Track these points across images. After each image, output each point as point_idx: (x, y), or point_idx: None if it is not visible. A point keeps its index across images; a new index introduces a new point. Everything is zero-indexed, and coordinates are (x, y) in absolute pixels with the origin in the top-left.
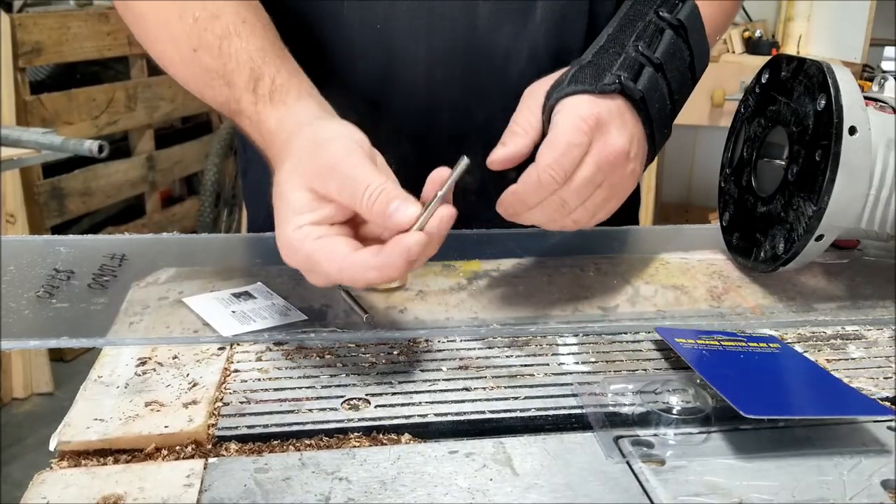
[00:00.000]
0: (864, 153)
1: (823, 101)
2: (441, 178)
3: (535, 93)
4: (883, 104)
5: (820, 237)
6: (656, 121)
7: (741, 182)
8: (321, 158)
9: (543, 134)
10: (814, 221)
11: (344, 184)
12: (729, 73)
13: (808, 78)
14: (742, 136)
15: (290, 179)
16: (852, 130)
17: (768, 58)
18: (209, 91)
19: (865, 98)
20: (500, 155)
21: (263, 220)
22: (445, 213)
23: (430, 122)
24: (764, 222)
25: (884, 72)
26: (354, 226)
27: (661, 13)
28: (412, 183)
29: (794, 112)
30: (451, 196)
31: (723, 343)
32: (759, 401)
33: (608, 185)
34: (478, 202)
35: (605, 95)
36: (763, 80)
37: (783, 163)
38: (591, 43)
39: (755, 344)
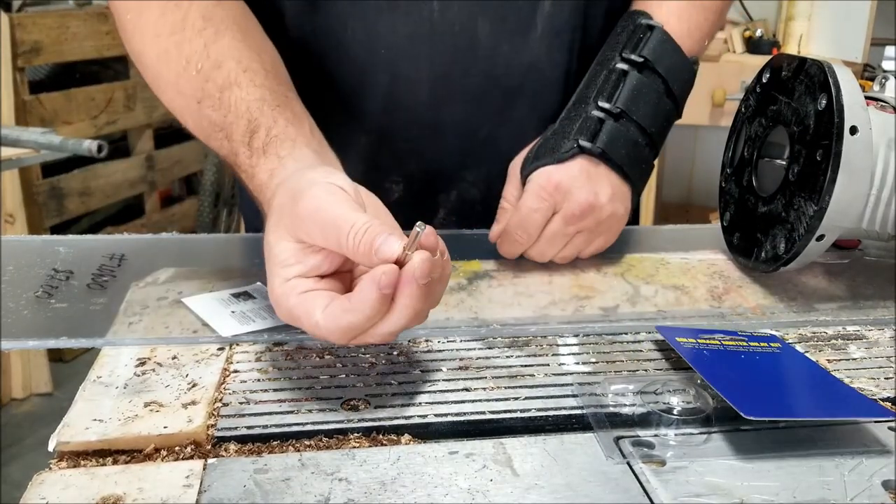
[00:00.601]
0: (866, 153)
1: (824, 101)
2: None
3: (517, 168)
4: (884, 104)
5: (821, 237)
6: (627, 163)
7: (742, 182)
8: (302, 207)
9: None
10: (815, 221)
11: (327, 228)
12: (729, 73)
13: (809, 77)
14: (743, 135)
15: (276, 231)
16: (853, 130)
17: (769, 57)
18: (214, 143)
19: (866, 98)
20: (496, 230)
21: (260, 223)
22: (419, 258)
23: (435, 141)
24: (765, 222)
25: (885, 71)
26: (348, 277)
27: (624, 55)
28: (418, 202)
29: (795, 112)
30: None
31: (723, 343)
32: (760, 402)
33: (586, 231)
34: (483, 213)
35: (564, 161)
36: (764, 80)
37: (784, 162)
38: (588, 55)
39: (756, 343)
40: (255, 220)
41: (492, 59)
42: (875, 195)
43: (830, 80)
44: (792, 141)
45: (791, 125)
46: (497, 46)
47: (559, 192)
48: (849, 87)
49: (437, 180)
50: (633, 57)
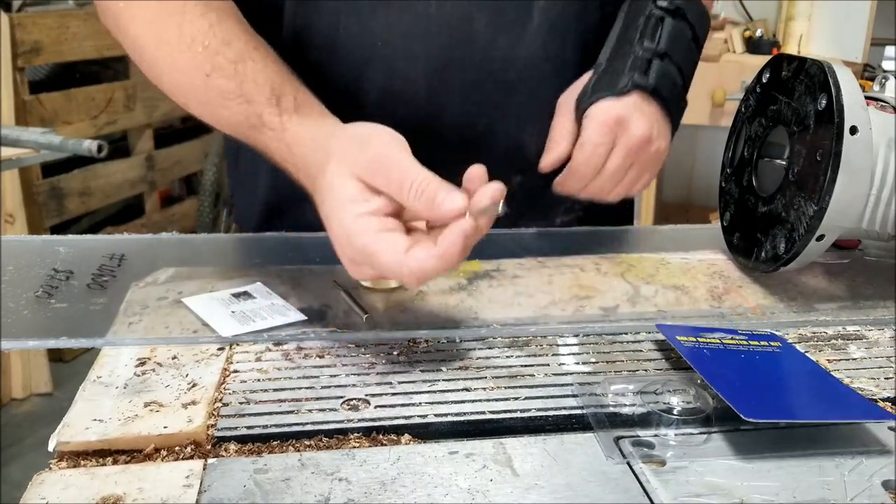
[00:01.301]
0: (866, 153)
1: (824, 101)
2: (477, 175)
3: (566, 102)
4: (884, 104)
5: (821, 237)
6: (670, 100)
7: (742, 182)
8: (367, 153)
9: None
10: (815, 221)
11: (391, 176)
12: (729, 73)
13: (809, 77)
14: (743, 135)
15: (340, 172)
16: (853, 130)
17: (769, 57)
18: (224, 111)
19: (866, 97)
20: (549, 159)
21: (251, 213)
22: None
23: (432, 135)
24: (765, 222)
25: (885, 71)
26: (399, 219)
27: (658, 3)
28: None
29: (795, 112)
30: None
31: (724, 341)
32: (760, 403)
33: (638, 165)
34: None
35: (622, 96)
36: (764, 80)
37: (784, 162)
38: (584, 47)
39: (756, 343)
40: (248, 209)
41: (489, 52)
42: (875, 195)
43: (830, 80)
44: (792, 141)
45: (791, 125)
46: (494, 40)
47: (619, 126)
48: (849, 87)
49: (436, 175)
50: (666, 4)
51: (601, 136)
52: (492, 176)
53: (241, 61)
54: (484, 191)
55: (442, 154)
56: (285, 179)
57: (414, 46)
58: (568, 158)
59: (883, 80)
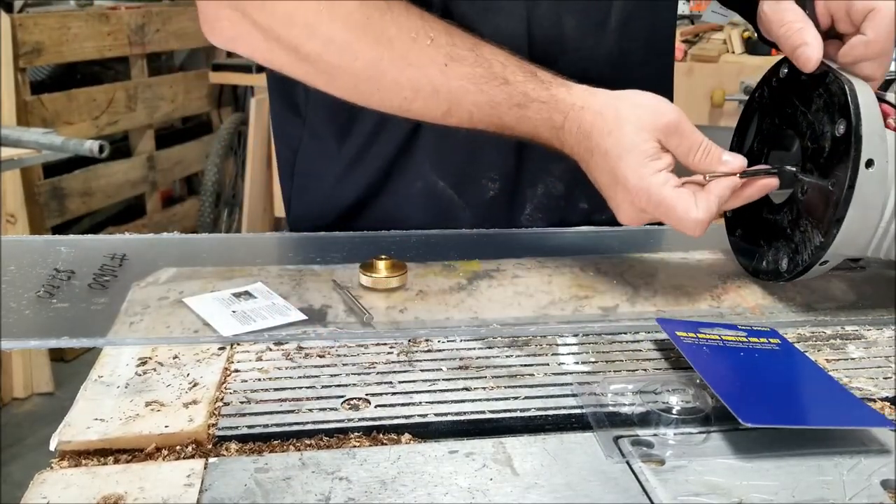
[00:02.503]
0: (880, 186)
1: (843, 128)
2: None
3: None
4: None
5: (825, 262)
6: None
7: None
8: (663, 118)
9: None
10: (820, 251)
11: (684, 139)
12: (729, 74)
13: (830, 95)
14: (754, 126)
15: (640, 133)
16: (869, 164)
17: (769, 58)
18: (474, 96)
19: (881, 101)
20: (812, 53)
21: (308, 214)
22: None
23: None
24: (769, 231)
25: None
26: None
27: None
28: (510, 198)
29: (811, 126)
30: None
31: (723, 337)
32: (759, 407)
33: None
34: (567, 207)
35: None
36: (781, 75)
37: (795, 170)
38: (651, 45)
39: (756, 339)
40: (316, 211)
41: (577, 51)
42: (884, 227)
43: (851, 106)
44: (805, 155)
45: (805, 139)
46: (581, 39)
47: None
48: (869, 115)
49: (525, 175)
50: None
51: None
52: (577, 174)
53: (477, 46)
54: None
55: (531, 153)
56: (360, 179)
57: (516, 46)
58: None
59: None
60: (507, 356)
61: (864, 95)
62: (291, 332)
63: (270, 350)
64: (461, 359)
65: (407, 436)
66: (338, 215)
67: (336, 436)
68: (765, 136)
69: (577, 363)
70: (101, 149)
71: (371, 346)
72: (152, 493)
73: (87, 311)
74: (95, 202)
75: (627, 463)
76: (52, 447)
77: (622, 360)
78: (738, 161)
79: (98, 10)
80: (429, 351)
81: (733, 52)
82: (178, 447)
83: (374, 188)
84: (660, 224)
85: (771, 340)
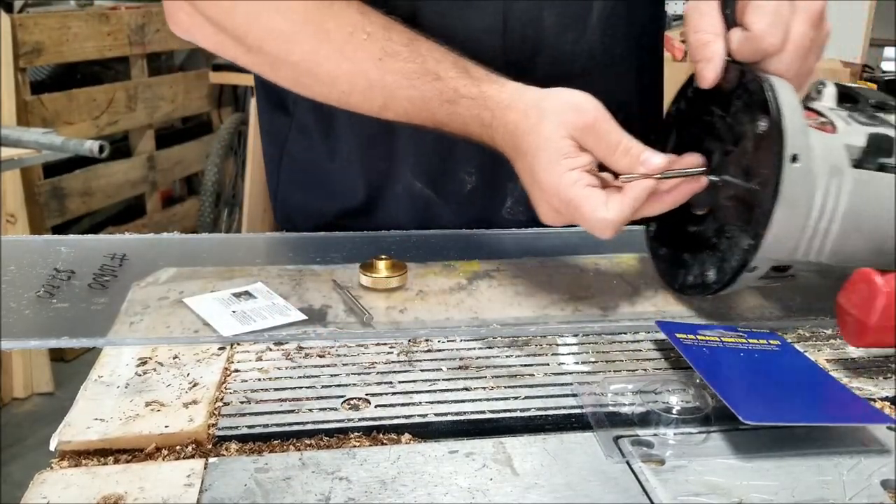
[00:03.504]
0: (806, 183)
1: (765, 125)
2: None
3: (696, 7)
4: (823, 119)
5: (753, 268)
6: None
7: None
8: (584, 117)
9: (728, 25)
10: (748, 255)
11: (603, 138)
12: None
13: (749, 94)
14: (671, 142)
15: (557, 131)
16: (794, 159)
17: None
18: (409, 91)
19: (806, 109)
20: (709, 72)
21: (294, 210)
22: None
23: None
24: (693, 244)
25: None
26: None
27: None
28: (490, 191)
29: (731, 128)
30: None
31: (723, 339)
32: (759, 405)
33: (817, 46)
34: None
35: None
36: (696, 84)
37: (716, 179)
38: (635, 42)
39: (756, 341)
40: (308, 212)
41: (557, 47)
42: (812, 227)
43: (771, 102)
44: (725, 160)
45: (726, 142)
46: (561, 35)
47: None
48: (791, 110)
49: (504, 168)
50: None
51: (776, 7)
52: None
53: (413, 41)
54: (682, 160)
55: (480, 145)
56: (346, 176)
57: (491, 43)
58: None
59: (819, 87)
60: (507, 356)
61: (784, 91)
62: (291, 332)
63: (270, 350)
64: (461, 359)
65: (407, 436)
66: (324, 212)
67: (336, 436)
68: (683, 148)
69: (577, 363)
70: (101, 149)
71: (371, 346)
72: (152, 493)
73: (87, 311)
74: (95, 202)
75: (627, 463)
76: (52, 447)
77: (622, 360)
78: (658, 160)
79: (98, 10)
80: (429, 351)
81: None
82: (178, 447)
83: (361, 185)
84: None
85: (771, 342)
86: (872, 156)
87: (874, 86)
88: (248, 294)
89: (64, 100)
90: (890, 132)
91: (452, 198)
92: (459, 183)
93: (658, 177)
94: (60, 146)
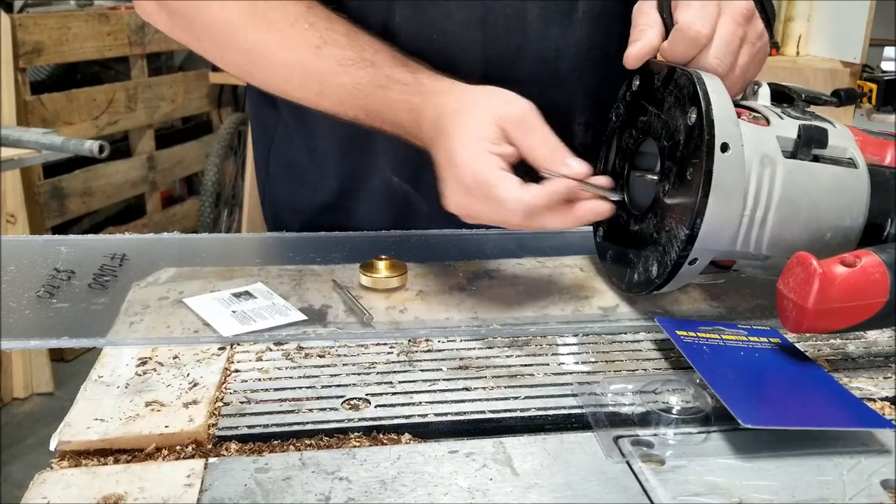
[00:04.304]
0: (738, 171)
1: (694, 115)
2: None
3: (644, 3)
4: (756, 115)
5: (693, 261)
6: (766, 8)
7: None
8: (515, 109)
9: (667, 30)
10: (686, 245)
11: (530, 135)
12: None
13: (679, 89)
14: (614, 146)
15: (484, 116)
16: (724, 147)
17: (769, 58)
18: (343, 77)
19: (739, 107)
20: (635, 49)
21: (282, 203)
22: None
23: None
24: (637, 241)
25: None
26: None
27: None
28: None
29: (665, 125)
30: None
31: (723, 336)
32: (759, 409)
33: (748, 43)
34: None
35: None
36: (634, 88)
37: (656, 177)
38: (624, 37)
39: (756, 338)
40: (294, 209)
41: (542, 42)
42: (748, 215)
43: (700, 93)
44: (662, 156)
45: (661, 139)
46: (546, 30)
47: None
48: (719, 101)
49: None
50: None
51: (702, 4)
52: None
53: (354, 33)
54: (600, 178)
55: None
56: (328, 172)
57: (472, 36)
58: (655, 52)
59: (755, 87)
60: (507, 356)
61: (713, 83)
62: (291, 332)
63: (270, 350)
64: (461, 359)
65: (407, 436)
66: (310, 207)
67: (336, 436)
68: (625, 152)
69: (577, 363)
70: (101, 149)
71: (371, 346)
72: (152, 493)
73: (87, 311)
74: (95, 202)
75: (627, 463)
76: (52, 447)
77: (622, 360)
78: (582, 167)
79: (98, 10)
80: (429, 351)
81: None
82: (178, 447)
83: (338, 179)
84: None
85: (771, 340)
86: (805, 146)
87: (874, 86)
88: (248, 294)
89: (64, 100)
90: (822, 125)
91: (430, 193)
92: (437, 178)
93: (578, 180)
94: (60, 146)
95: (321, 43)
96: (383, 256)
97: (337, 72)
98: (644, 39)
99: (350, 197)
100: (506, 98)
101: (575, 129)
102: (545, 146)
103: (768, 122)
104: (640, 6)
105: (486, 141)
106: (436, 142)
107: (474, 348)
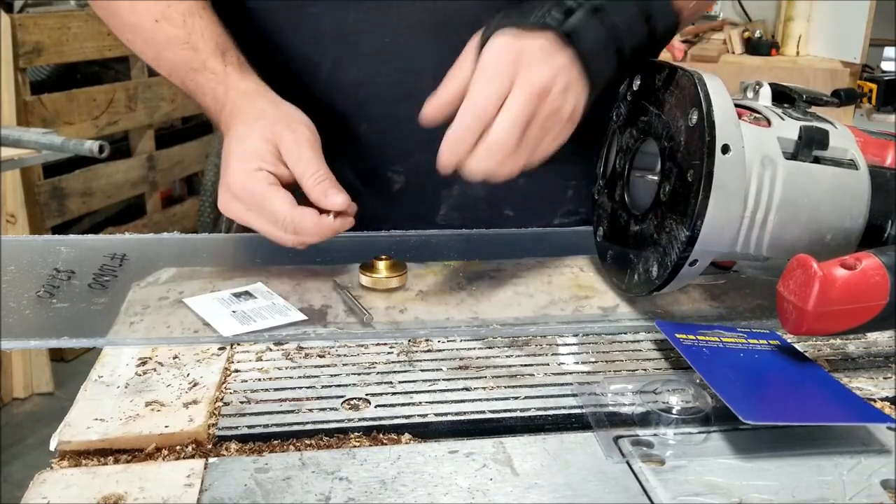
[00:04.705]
0: (739, 173)
1: (695, 117)
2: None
3: (472, 43)
4: (757, 115)
5: (694, 262)
6: (592, 56)
7: (615, 196)
8: (292, 134)
9: None
10: (687, 247)
11: (301, 160)
12: (728, 74)
13: (680, 89)
14: (615, 146)
15: (262, 134)
16: (725, 149)
17: (769, 58)
18: (167, 53)
19: (740, 107)
20: (430, 104)
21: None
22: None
23: (435, 133)
24: (637, 242)
25: (874, 70)
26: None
27: None
28: (420, 194)
29: (666, 125)
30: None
31: (723, 339)
32: (759, 405)
33: (540, 120)
34: (487, 210)
35: (531, 31)
36: (635, 88)
37: (656, 177)
38: None
39: (756, 341)
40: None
41: (456, 53)
42: (749, 217)
43: (701, 94)
44: (663, 157)
45: (662, 139)
46: (460, 43)
47: (522, 62)
48: (721, 102)
49: (439, 177)
50: None
51: (502, 64)
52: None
53: (190, 15)
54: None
55: (408, 145)
56: None
57: (425, 40)
58: (455, 105)
59: (756, 87)
60: (507, 356)
61: (714, 84)
62: (291, 332)
63: (270, 350)
64: (461, 359)
65: (407, 436)
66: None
67: (336, 436)
68: (626, 151)
69: (577, 363)
70: (101, 149)
71: (371, 346)
72: (152, 493)
73: (87, 311)
74: (95, 202)
75: (627, 463)
76: (52, 447)
77: (622, 360)
78: (339, 199)
79: None
80: (429, 351)
81: (733, 53)
82: (178, 447)
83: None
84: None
85: (771, 342)
86: (806, 148)
87: (874, 86)
88: (248, 294)
89: (64, 100)
90: (823, 126)
91: (381, 194)
92: (387, 181)
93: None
94: (60, 146)
95: (160, 17)
96: (383, 256)
97: (166, 46)
98: (440, 95)
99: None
100: (289, 123)
101: None
102: (312, 177)
103: (769, 122)
104: (465, 49)
105: (257, 158)
106: (224, 137)
107: (474, 348)
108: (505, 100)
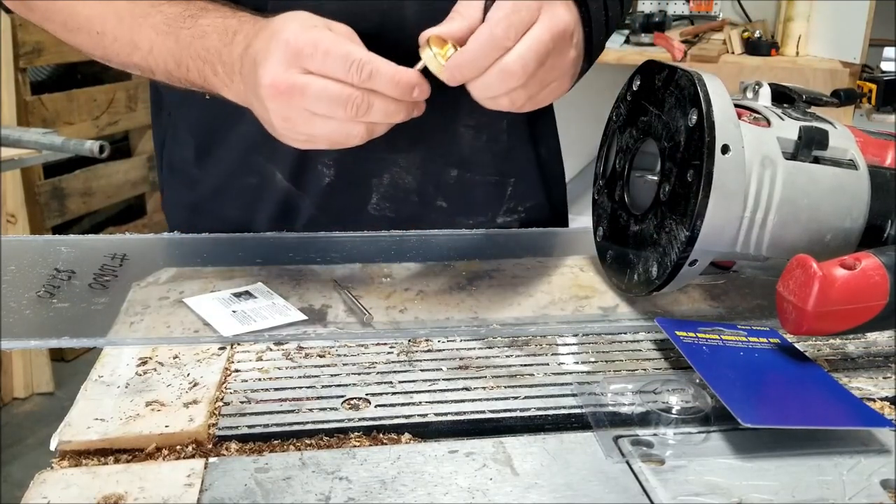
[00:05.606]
0: (738, 173)
1: (695, 117)
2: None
3: None
4: (757, 115)
5: (693, 262)
6: (593, 23)
7: (614, 196)
8: (333, 30)
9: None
10: (686, 247)
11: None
12: (728, 74)
13: (680, 89)
14: (614, 146)
15: (303, 21)
16: (725, 149)
17: (769, 58)
18: (153, 18)
19: (740, 107)
20: (438, 28)
21: (175, 205)
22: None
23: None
24: (637, 242)
25: (874, 69)
26: None
27: None
28: (350, 185)
29: (666, 125)
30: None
31: (723, 337)
32: (758, 408)
33: (552, 63)
34: (418, 201)
35: None
36: (634, 88)
37: (655, 177)
38: None
39: (755, 339)
40: (178, 215)
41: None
42: (749, 217)
43: (701, 94)
44: (663, 157)
45: (662, 140)
46: (429, 23)
47: (547, 2)
48: (720, 102)
49: (367, 163)
50: None
51: (519, 3)
52: (427, 169)
53: None
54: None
55: (374, 142)
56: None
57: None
58: (459, 42)
59: (756, 88)
60: (507, 356)
61: (714, 84)
62: (291, 332)
63: (270, 350)
64: (461, 359)
65: (407, 436)
66: (184, 201)
67: (336, 436)
68: (626, 152)
69: (577, 363)
70: (101, 149)
71: (371, 346)
72: (152, 492)
73: (87, 311)
74: (96, 202)
75: (627, 463)
76: (52, 447)
77: (622, 360)
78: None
79: None
80: (429, 351)
81: (733, 53)
82: (178, 447)
83: (214, 173)
84: None
85: (771, 340)
86: (806, 148)
87: (874, 86)
88: (248, 294)
89: (64, 100)
90: (823, 126)
91: (312, 190)
92: (318, 175)
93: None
94: (60, 146)
95: None
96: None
97: (149, 13)
98: (445, 26)
99: (224, 191)
100: (326, 21)
101: (461, 131)
102: (358, 60)
103: (769, 123)
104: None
105: (312, 17)
106: (253, 43)
107: (474, 348)
108: (526, 31)
